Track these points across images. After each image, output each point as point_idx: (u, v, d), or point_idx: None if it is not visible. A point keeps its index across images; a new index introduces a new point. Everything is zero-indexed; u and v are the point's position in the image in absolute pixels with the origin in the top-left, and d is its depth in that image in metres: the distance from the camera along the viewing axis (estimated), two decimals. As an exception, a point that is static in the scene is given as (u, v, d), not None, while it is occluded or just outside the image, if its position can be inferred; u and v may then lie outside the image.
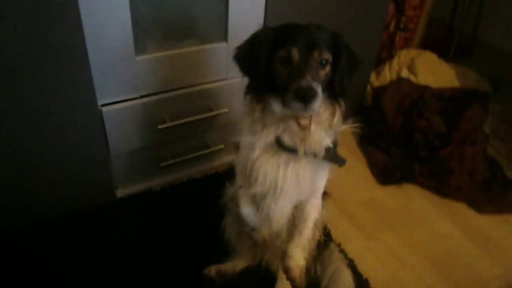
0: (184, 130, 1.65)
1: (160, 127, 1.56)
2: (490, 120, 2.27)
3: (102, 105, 1.46)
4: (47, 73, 1.29)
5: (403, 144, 2.00)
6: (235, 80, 1.66)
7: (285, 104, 1.00)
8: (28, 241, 1.51)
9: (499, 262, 1.63)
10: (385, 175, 1.91)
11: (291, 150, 1.08)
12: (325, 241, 1.39)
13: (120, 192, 1.71)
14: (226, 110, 1.66)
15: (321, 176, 1.19)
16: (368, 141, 2.08)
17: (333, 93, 1.06)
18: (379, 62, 2.51)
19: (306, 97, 0.94)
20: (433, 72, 2.30)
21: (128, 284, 1.41)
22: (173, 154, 1.73)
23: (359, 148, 2.11)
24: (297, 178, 1.13)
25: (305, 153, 1.07)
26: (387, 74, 2.32)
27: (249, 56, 1.07)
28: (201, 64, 1.57)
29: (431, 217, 1.80)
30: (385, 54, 2.53)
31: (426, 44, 2.62)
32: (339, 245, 1.58)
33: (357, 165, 2.03)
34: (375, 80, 2.32)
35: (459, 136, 1.90)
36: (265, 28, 1.09)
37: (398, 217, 1.78)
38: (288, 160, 1.10)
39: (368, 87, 2.27)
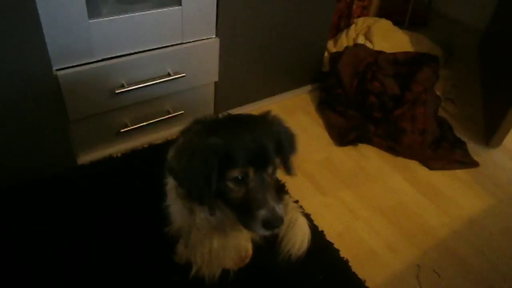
0: (143, 95, 1.66)
1: (117, 91, 1.57)
2: (442, 84, 2.38)
3: (57, 70, 1.45)
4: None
5: (358, 106, 2.07)
6: (191, 44, 1.68)
7: (247, 227, 0.99)
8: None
9: (446, 212, 1.74)
10: (342, 136, 1.99)
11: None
12: (279, 194, 1.45)
13: (81, 159, 1.72)
14: (183, 74, 1.69)
15: None
16: (325, 105, 2.14)
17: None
18: (338, 30, 2.58)
19: (274, 227, 0.94)
20: (388, 38, 2.38)
21: (91, 249, 1.43)
22: (133, 120, 1.74)
23: (317, 112, 2.18)
24: (229, 249, 1.22)
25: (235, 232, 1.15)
26: (344, 41, 2.38)
27: (193, 173, 0.95)
28: (156, 28, 1.58)
29: (385, 175, 1.89)
30: (343, 23, 2.59)
31: (383, 13, 2.69)
32: (296, 201, 1.65)
33: (315, 128, 2.09)
34: (332, 48, 2.39)
35: (411, 97, 1.99)
36: (206, 141, 0.95)
37: (353, 175, 1.86)
38: (221, 236, 1.15)
39: (326, 54, 2.33)
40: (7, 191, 1.56)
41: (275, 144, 1.01)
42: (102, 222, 1.51)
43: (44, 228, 1.47)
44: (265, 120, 1.06)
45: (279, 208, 0.95)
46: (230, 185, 0.97)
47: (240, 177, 0.95)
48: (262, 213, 0.94)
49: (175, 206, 1.15)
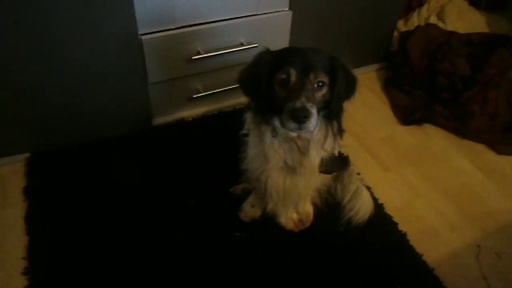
0: (216, 63, 1.75)
1: (194, 58, 1.67)
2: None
3: (142, 35, 1.57)
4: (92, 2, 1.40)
5: (426, 86, 2.05)
6: (265, 16, 1.74)
7: (281, 124, 1.07)
8: (77, 158, 1.68)
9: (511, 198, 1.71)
10: (407, 115, 1.98)
11: (292, 168, 1.24)
12: (344, 163, 1.50)
13: (156, 121, 1.85)
14: (255, 45, 1.75)
15: (318, 181, 1.38)
16: (392, 84, 2.13)
17: (330, 113, 1.14)
18: (409, 10, 2.52)
19: (300, 118, 1.01)
20: (462, 19, 2.30)
21: (162, 196, 1.57)
22: (205, 87, 1.84)
23: (383, 91, 2.18)
24: (299, 189, 1.32)
25: (303, 171, 1.24)
26: (416, 20, 2.33)
27: (251, 79, 1.14)
28: (233, -2, 1.65)
29: (449, 155, 1.87)
30: (415, 2, 2.52)
31: (458, -7, 2.59)
32: (358, 174, 1.68)
33: (379, 106, 2.10)
34: (403, 27, 2.34)
35: (483, 79, 1.93)
36: (265, 51, 1.14)
37: (416, 154, 1.86)
38: (291, 174, 1.26)
39: (396, 33, 2.30)
40: (88, 146, 1.72)
41: (326, 63, 1.08)
42: (171, 178, 1.63)
43: (119, 180, 1.61)
44: (326, 52, 1.12)
45: (310, 106, 1.02)
46: (277, 87, 1.08)
47: (283, 78, 1.06)
48: (291, 104, 1.02)
49: (250, 134, 1.28)
